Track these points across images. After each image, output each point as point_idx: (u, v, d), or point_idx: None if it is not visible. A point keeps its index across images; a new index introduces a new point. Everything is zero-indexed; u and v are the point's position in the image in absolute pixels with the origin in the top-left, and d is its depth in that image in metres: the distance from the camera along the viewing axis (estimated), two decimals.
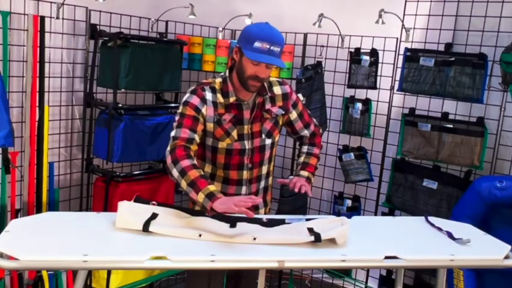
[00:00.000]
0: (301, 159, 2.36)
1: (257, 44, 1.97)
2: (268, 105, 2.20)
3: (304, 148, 2.39)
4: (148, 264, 1.67)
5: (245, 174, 2.20)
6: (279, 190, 3.30)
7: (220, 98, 2.12)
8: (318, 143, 2.41)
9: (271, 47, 1.98)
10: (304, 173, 2.29)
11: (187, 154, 1.99)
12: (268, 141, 2.22)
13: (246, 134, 2.16)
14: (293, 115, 2.30)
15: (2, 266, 1.63)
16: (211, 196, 1.87)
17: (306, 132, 2.37)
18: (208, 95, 2.11)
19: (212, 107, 2.10)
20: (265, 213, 2.33)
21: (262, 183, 2.28)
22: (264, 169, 2.26)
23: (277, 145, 2.34)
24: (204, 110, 2.09)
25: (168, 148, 2.04)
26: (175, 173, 1.96)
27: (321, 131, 2.48)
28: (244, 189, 2.21)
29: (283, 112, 2.25)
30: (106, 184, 2.93)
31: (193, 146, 2.04)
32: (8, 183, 2.71)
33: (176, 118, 2.10)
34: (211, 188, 1.90)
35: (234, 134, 2.14)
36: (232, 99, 2.12)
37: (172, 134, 2.07)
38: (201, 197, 1.88)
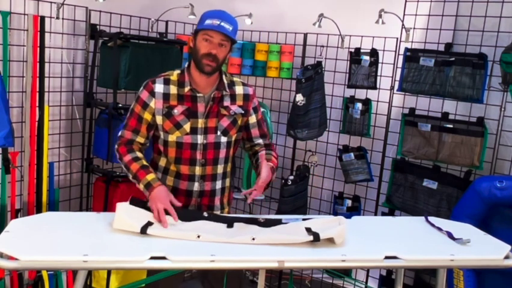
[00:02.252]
0: (262, 155, 2.20)
1: (207, 21, 2.02)
2: (227, 102, 2.16)
3: (262, 152, 2.23)
4: (148, 264, 1.67)
5: (197, 170, 2.15)
6: (279, 190, 3.30)
7: (173, 89, 2.11)
8: (274, 150, 2.30)
9: (221, 23, 2.01)
10: (269, 164, 2.13)
11: (129, 149, 2.13)
12: (223, 139, 2.16)
13: (199, 128, 2.12)
14: (252, 119, 2.25)
15: (2, 266, 1.63)
16: (148, 186, 2.02)
17: (260, 141, 2.28)
18: (158, 87, 2.11)
19: (161, 99, 2.11)
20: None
21: (219, 184, 2.22)
22: (220, 168, 2.20)
23: (237, 146, 2.27)
24: (152, 104, 2.11)
25: (116, 146, 2.18)
26: (124, 168, 2.13)
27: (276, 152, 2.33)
28: (196, 185, 2.17)
29: (243, 112, 2.20)
30: (106, 184, 2.93)
31: (134, 145, 2.15)
32: (8, 183, 2.71)
33: (128, 114, 2.18)
34: (149, 177, 2.03)
35: (186, 126, 2.11)
36: (187, 89, 2.10)
37: (119, 132, 2.19)
38: (141, 188, 2.04)
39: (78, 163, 3.16)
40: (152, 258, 1.67)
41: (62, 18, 2.89)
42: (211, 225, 1.96)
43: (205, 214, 2.03)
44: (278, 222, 2.01)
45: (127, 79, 2.89)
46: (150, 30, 3.33)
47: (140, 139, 2.15)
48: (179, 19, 3.44)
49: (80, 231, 1.84)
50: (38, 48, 2.73)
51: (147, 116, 2.12)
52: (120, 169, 3.27)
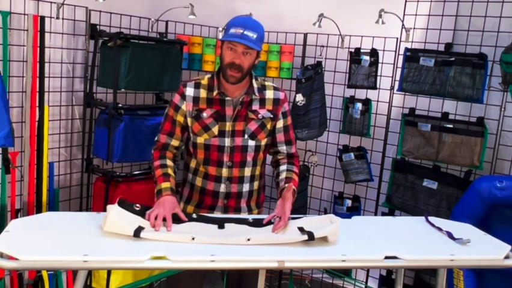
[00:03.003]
0: (283, 175, 2.20)
1: (231, 30, 2.04)
2: (255, 106, 2.18)
3: (283, 166, 2.24)
4: (148, 264, 1.67)
5: (224, 171, 2.18)
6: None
7: (203, 93, 2.16)
8: (297, 165, 2.28)
9: (245, 32, 2.01)
10: (291, 186, 2.12)
11: (161, 155, 2.20)
12: (251, 143, 2.18)
13: (227, 131, 2.15)
14: (280, 123, 2.24)
15: (2, 266, 1.63)
16: (159, 193, 2.07)
17: (284, 148, 2.27)
18: (189, 91, 2.17)
19: (191, 102, 2.16)
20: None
21: (246, 187, 2.23)
22: (247, 171, 2.21)
23: (267, 151, 2.28)
24: (183, 106, 2.17)
25: (152, 150, 2.24)
26: (153, 171, 2.19)
27: (299, 160, 2.35)
28: (223, 187, 2.19)
29: (272, 116, 2.20)
30: (106, 184, 2.93)
31: (168, 152, 2.21)
32: (8, 183, 2.71)
33: (162, 118, 2.24)
34: (163, 185, 2.08)
35: (215, 129, 2.14)
36: (215, 93, 2.13)
37: (156, 137, 2.24)
38: (155, 192, 2.09)
39: (78, 163, 3.16)
40: (152, 258, 1.67)
41: (62, 18, 2.88)
42: (203, 226, 1.96)
43: (194, 216, 2.03)
44: (268, 222, 2.01)
45: (127, 79, 2.89)
46: (150, 30, 3.33)
47: (175, 142, 2.21)
48: (179, 19, 3.44)
49: (80, 231, 1.84)
50: (38, 48, 2.73)
51: (180, 118, 2.18)
52: (120, 169, 3.29)
